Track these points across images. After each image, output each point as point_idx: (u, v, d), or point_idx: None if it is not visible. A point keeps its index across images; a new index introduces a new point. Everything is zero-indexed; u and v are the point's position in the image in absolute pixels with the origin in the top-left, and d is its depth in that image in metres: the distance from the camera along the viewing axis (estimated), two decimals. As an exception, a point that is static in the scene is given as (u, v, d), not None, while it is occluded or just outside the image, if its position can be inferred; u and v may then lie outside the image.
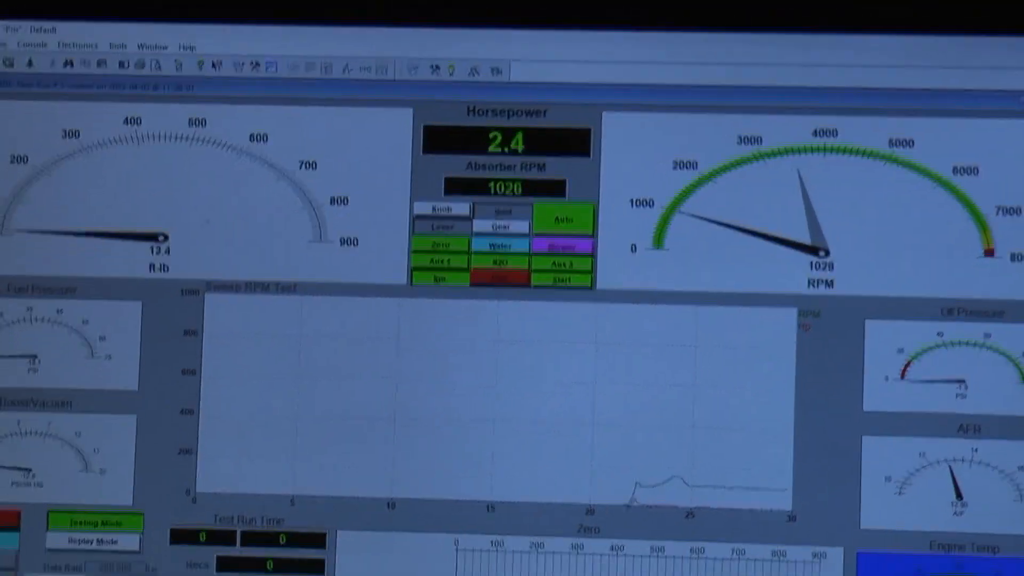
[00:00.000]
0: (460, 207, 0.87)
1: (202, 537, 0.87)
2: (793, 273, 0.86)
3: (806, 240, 0.86)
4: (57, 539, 0.87)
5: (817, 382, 0.85)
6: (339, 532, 0.86)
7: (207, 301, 0.87)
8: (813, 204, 0.86)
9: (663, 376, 0.86)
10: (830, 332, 0.85)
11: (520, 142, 0.87)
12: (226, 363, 0.87)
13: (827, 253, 0.86)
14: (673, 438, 0.85)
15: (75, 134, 0.88)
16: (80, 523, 0.87)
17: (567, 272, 0.87)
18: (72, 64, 0.88)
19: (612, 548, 0.85)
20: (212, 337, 0.87)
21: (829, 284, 0.86)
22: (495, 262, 0.87)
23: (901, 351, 0.86)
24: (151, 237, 0.87)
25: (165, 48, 0.88)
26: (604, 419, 0.86)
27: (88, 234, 0.87)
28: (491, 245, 0.87)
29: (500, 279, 0.87)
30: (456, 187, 0.87)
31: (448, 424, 0.86)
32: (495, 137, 0.87)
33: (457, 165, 0.88)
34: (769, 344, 0.86)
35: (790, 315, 0.86)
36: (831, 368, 0.85)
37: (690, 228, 0.87)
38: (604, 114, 0.87)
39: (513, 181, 0.87)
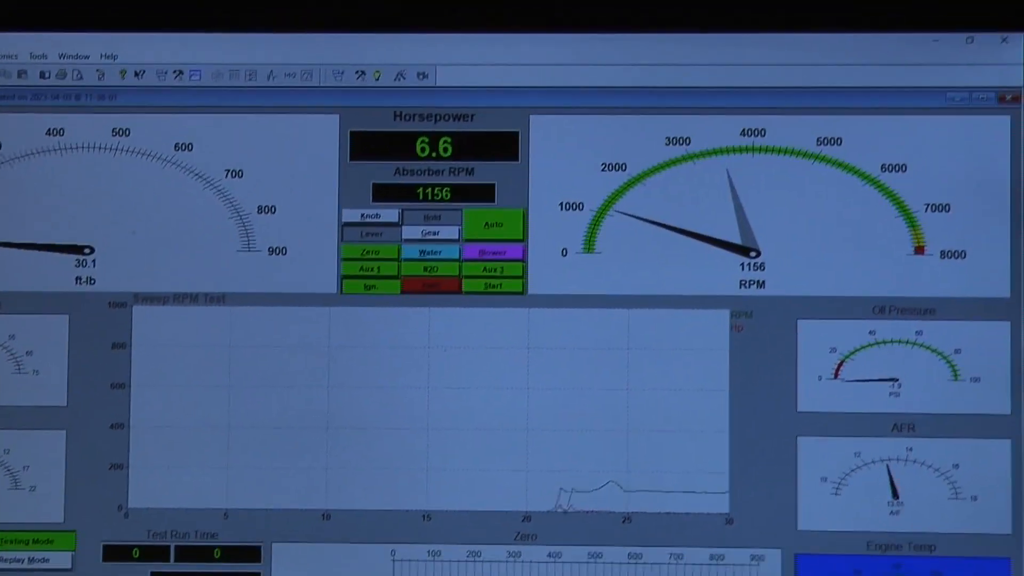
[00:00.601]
0: (389, 214, 0.87)
1: (135, 554, 0.86)
2: (725, 275, 0.86)
3: (737, 241, 0.86)
4: (-12, 558, 0.86)
5: (751, 383, 0.85)
6: (274, 545, 0.86)
7: (135, 313, 0.86)
8: (743, 205, 0.86)
9: (597, 380, 0.85)
10: (763, 333, 0.86)
11: (448, 147, 0.87)
12: (156, 376, 0.86)
13: (758, 254, 0.86)
14: (608, 442, 0.85)
15: (-4, 146, 0.86)
16: (10, 542, 0.86)
17: (498, 278, 0.86)
18: (-8, 76, 0.87)
19: (549, 555, 0.85)
20: (141, 350, 0.86)
21: (761, 285, 0.86)
22: (426, 270, 0.86)
23: (834, 351, 0.86)
24: (77, 249, 0.86)
25: (87, 58, 0.87)
26: (538, 424, 0.86)
27: (12, 246, 0.86)
28: (421, 252, 0.86)
29: (431, 287, 0.86)
30: (384, 194, 0.87)
31: (382, 433, 0.85)
32: (423, 143, 0.87)
33: (385, 171, 0.87)
34: (702, 346, 0.85)
35: (722, 316, 0.86)
36: (765, 369, 0.85)
37: (621, 231, 0.86)
38: (532, 117, 0.87)
39: (442, 187, 0.87)
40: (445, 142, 0.87)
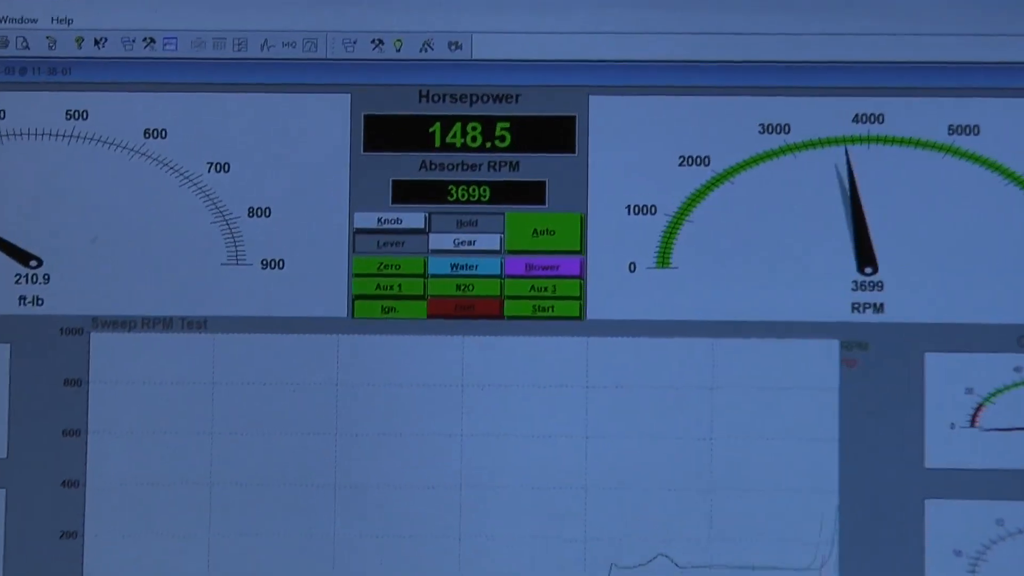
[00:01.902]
0: (412, 219, 0.83)
1: (92, 646, 0.82)
2: (833, 296, 0.82)
3: (849, 254, 0.81)
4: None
5: (867, 432, 0.81)
6: (268, 632, 0.83)
7: (93, 342, 0.82)
8: (857, 208, 0.81)
9: (672, 427, 0.81)
10: (881, 369, 0.81)
11: (487, 136, 0.83)
12: (119, 421, 0.82)
13: (875, 270, 0.81)
14: (685, 505, 0.81)
15: (-80, 132, 0.85)
16: (-66, 632, 0.82)
17: (550, 299, 0.82)
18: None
19: (613, 644, 0.82)
20: (100, 388, 0.82)
21: (879, 309, 0.81)
22: (459, 288, 0.82)
23: (971, 392, 0.81)
24: (20, 261, 0.83)
25: (34, 22, 0.84)
26: (598, 482, 0.81)
27: (-60, 257, 0.84)
28: (453, 267, 0.83)
29: (465, 310, 0.83)
30: (407, 193, 0.83)
31: (403, 493, 0.81)
32: (455, 130, 0.83)
33: (408, 165, 0.83)
34: (805, 385, 0.81)
35: (831, 348, 0.81)
36: (884, 414, 0.81)
37: (703, 240, 0.82)
38: (592, 98, 0.82)
39: (479, 185, 0.83)
40: (483, 129, 0.83)
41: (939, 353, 0.81)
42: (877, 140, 0.82)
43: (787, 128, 0.82)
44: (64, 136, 0.84)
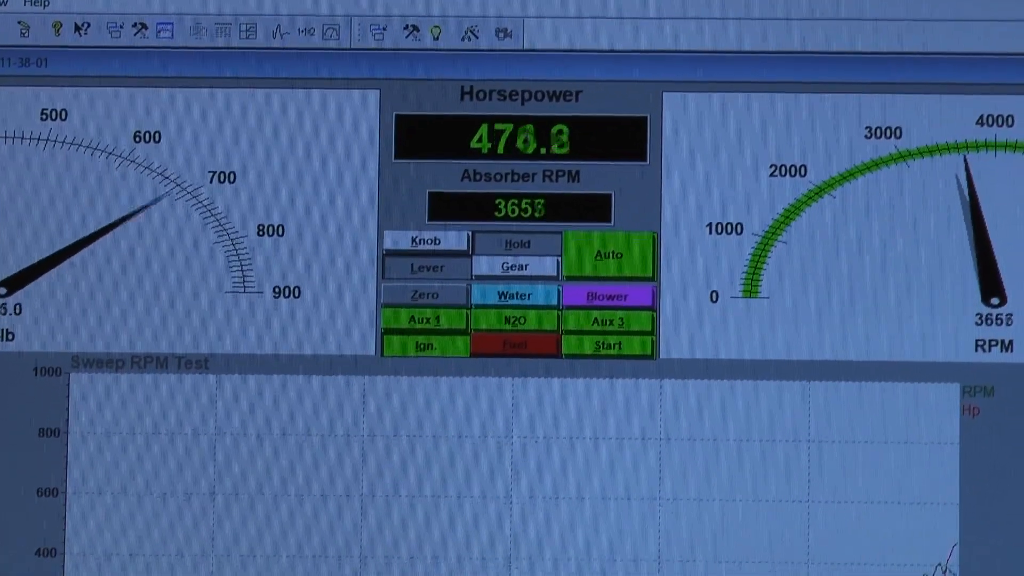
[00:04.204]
0: (453, 238, 0.78)
1: None
2: (953, 331, 0.76)
3: (972, 282, 0.76)
4: None
5: (991, 494, 0.75)
6: None
7: (73, 385, 0.77)
8: (982, 226, 0.76)
9: (762, 487, 0.75)
10: (1010, 418, 0.75)
11: (542, 141, 0.78)
12: (103, 479, 0.77)
13: (1003, 301, 0.76)
14: None
15: None
16: None
17: (616, 334, 0.77)
18: None
19: None
20: (81, 439, 0.77)
21: (1007, 348, 0.76)
22: (508, 322, 0.77)
23: None
24: None
25: (4, 4, 0.79)
26: (674, 554, 0.76)
27: None
28: (501, 295, 0.78)
29: (516, 348, 0.77)
30: (446, 208, 0.78)
31: (441, 565, 0.76)
32: (503, 133, 0.78)
33: (448, 175, 0.78)
34: (919, 438, 0.75)
35: (950, 393, 0.76)
36: (1014, 472, 0.75)
37: (798, 265, 0.77)
38: (666, 96, 0.77)
39: (532, 198, 0.78)
40: (537, 133, 0.78)
41: (1081, 400, 0.75)
42: (1005, 147, 0.76)
43: (898, 132, 0.76)
44: (39, 140, 0.78)
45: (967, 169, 0.76)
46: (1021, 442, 0.75)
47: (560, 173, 0.77)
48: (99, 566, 0.76)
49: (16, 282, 0.78)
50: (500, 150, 0.78)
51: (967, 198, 0.76)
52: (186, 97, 0.78)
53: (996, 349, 0.75)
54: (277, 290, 0.77)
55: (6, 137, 0.78)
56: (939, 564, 0.74)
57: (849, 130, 0.76)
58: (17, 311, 0.77)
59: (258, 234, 0.77)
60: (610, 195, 0.77)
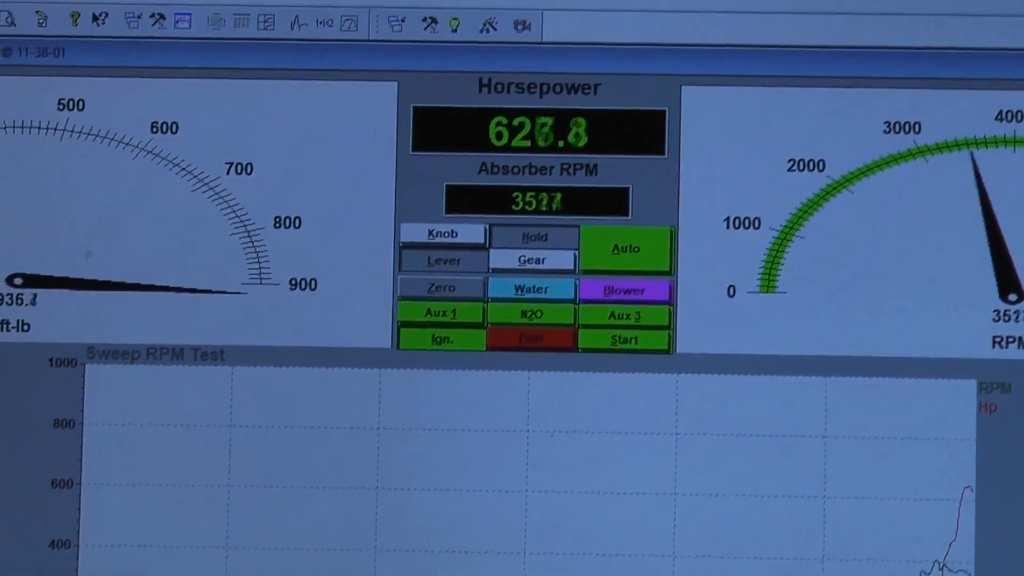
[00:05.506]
0: (470, 231, 0.78)
1: None
2: (970, 328, 0.76)
3: (989, 276, 0.76)
4: None
5: (1008, 491, 0.75)
6: None
7: (89, 375, 0.77)
8: (999, 222, 0.76)
9: (778, 483, 0.75)
10: None
11: (559, 134, 0.78)
12: (118, 470, 0.77)
13: (1021, 297, 0.76)
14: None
15: None
16: None
17: (633, 328, 0.77)
18: None
19: None
20: (96, 430, 0.77)
21: None
22: (525, 316, 0.77)
23: None
24: (3, 280, 0.78)
25: None
26: (688, 549, 0.75)
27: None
28: (518, 289, 0.77)
29: (532, 341, 0.77)
30: (464, 201, 0.78)
31: (457, 559, 0.76)
32: (521, 126, 0.78)
33: (465, 168, 0.78)
34: (935, 434, 0.75)
35: (967, 390, 0.75)
36: None
37: (815, 260, 0.77)
38: (684, 90, 0.77)
39: (550, 192, 0.78)
40: (555, 126, 0.78)
41: (1100, 399, 0.75)
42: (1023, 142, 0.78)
43: (917, 127, 0.76)
44: (56, 130, 0.78)
45: (981, 165, 0.76)
46: (1038, 439, 0.75)
47: (578, 166, 0.77)
48: (114, 558, 0.76)
49: (31, 273, 0.78)
50: (518, 143, 0.78)
51: (985, 194, 0.75)
52: (203, 88, 0.78)
53: (1013, 346, 0.75)
54: (293, 282, 0.77)
55: (23, 127, 0.78)
56: (956, 560, 0.74)
57: (867, 125, 0.76)
58: (33, 301, 0.77)
59: (275, 226, 0.78)
60: (628, 189, 0.77)
